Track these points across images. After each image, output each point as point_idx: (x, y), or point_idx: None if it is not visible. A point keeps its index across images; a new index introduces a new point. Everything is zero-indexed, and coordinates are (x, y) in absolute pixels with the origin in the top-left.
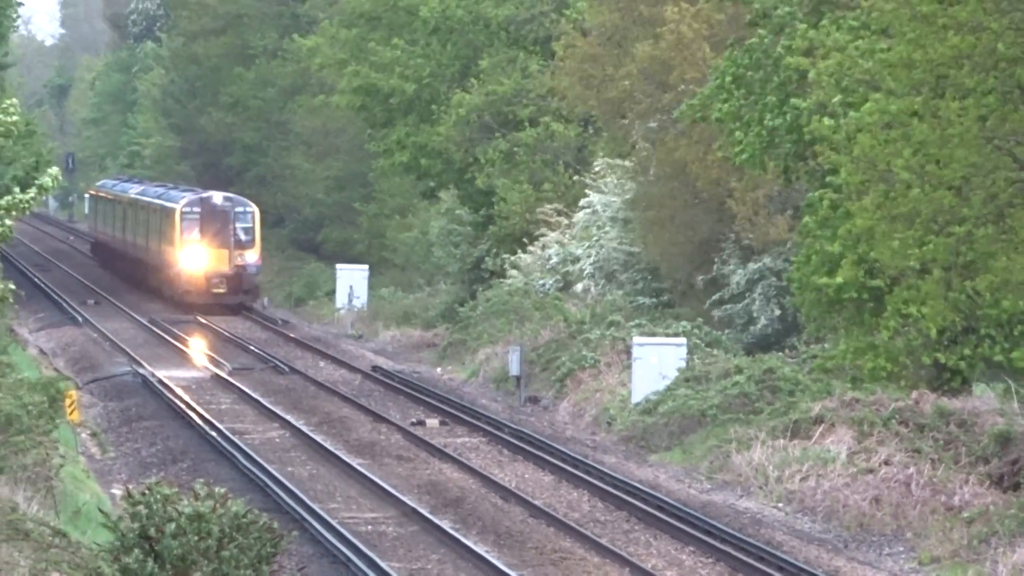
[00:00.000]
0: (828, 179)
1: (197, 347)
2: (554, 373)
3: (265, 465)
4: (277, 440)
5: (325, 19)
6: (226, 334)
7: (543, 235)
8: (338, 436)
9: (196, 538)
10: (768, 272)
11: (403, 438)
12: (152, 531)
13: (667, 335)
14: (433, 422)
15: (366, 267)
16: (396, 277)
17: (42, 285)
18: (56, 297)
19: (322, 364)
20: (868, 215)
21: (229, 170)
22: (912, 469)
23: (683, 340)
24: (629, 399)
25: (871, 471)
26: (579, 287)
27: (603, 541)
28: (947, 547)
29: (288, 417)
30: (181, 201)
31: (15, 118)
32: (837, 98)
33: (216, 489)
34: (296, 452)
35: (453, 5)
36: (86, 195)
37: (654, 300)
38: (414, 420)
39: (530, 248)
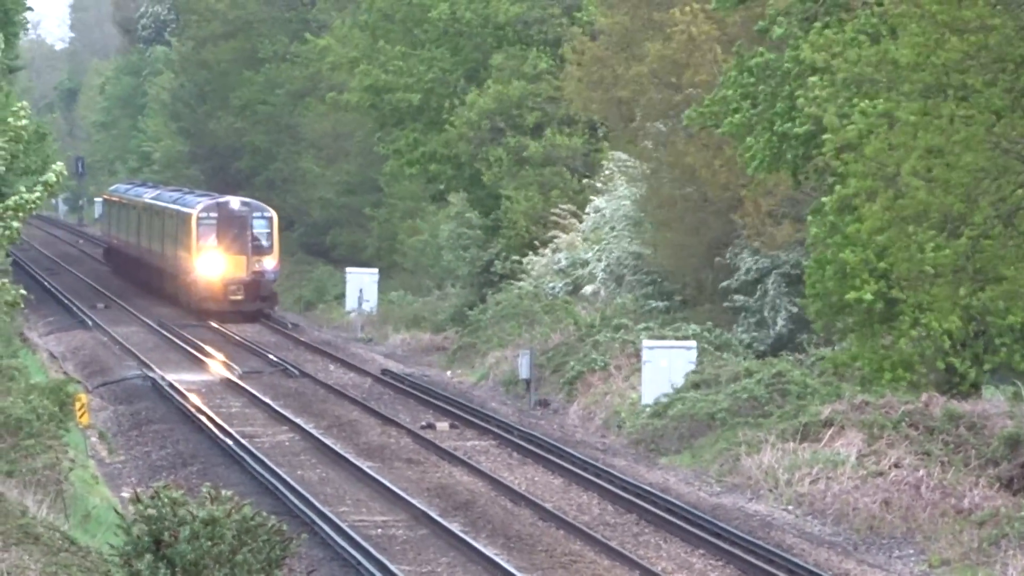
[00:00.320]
0: (836, 186)
1: (207, 351)
2: (564, 376)
3: (275, 468)
4: (287, 443)
5: (338, 20)
6: (236, 338)
7: (555, 237)
8: (348, 439)
9: (209, 543)
10: (781, 262)
11: (413, 441)
12: (165, 536)
13: (676, 338)
14: (443, 425)
15: (376, 271)
16: (406, 281)
17: (52, 289)
18: (66, 301)
19: (332, 367)
20: (877, 218)
21: (239, 174)
22: (922, 472)
23: (693, 343)
24: (639, 402)
25: (881, 474)
26: (588, 290)
27: (613, 544)
28: (957, 550)
29: (298, 420)
30: (197, 206)
31: (24, 122)
32: (832, 110)
33: (225, 493)
34: (306, 455)
35: (462, 7)
36: (95, 199)
37: (664, 303)
38: (424, 423)
39: (540, 251)
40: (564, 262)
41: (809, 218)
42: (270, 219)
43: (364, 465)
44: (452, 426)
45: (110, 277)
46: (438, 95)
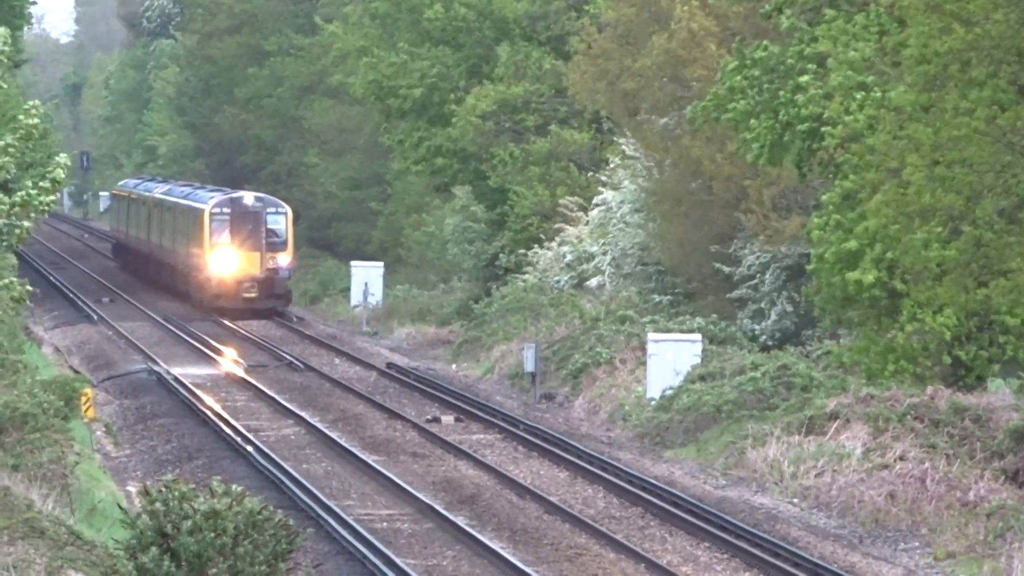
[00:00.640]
0: (837, 180)
1: (212, 345)
2: (569, 370)
3: (280, 462)
4: (292, 437)
5: (349, 6)
6: (241, 332)
7: (561, 230)
8: (353, 433)
9: (212, 535)
10: (781, 256)
11: (418, 435)
12: (169, 528)
13: (681, 332)
14: (448, 419)
15: (381, 264)
16: (411, 274)
17: (57, 283)
18: (71, 295)
19: (337, 361)
20: (882, 214)
21: (244, 168)
22: (927, 465)
23: (698, 336)
24: (644, 395)
25: (886, 467)
26: (594, 283)
27: (618, 537)
28: (962, 542)
29: (303, 414)
30: (210, 202)
31: (36, 120)
32: (836, 103)
33: (232, 487)
34: (311, 449)
35: (457, 5)
36: (100, 193)
37: (669, 296)
38: (429, 417)
39: (546, 244)
40: (570, 256)
41: (813, 218)
42: (284, 215)
43: (370, 459)
44: (457, 419)
45: (115, 271)
46: (441, 90)
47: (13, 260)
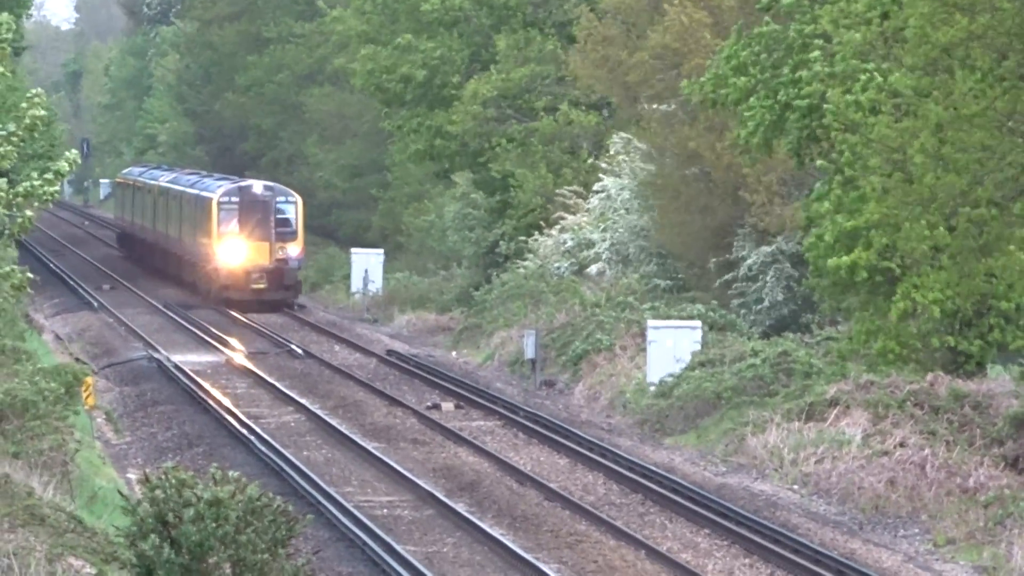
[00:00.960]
0: (833, 155)
1: (212, 332)
2: (569, 356)
3: (281, 449)
4: (292, 424)
5: None
6: (242, 319)
7: (561, 218)
8: (353, 420)
9: (214, 524)
10: (781, 256)
11: (418, 422)
12: (170, 516)
13: (682, 318)
14: (448, 406)
15: (381, 251)
16: (411, 261)
17: (58, 270)
18: (72, 282)
19: (337, 348)
20: (884, 203)
21: (244, 155)
22: (927, 451)
23: (698, 323)
24: (644, 382)
25: (886, 453)
26: (594, 270)
27: (618, 524)
28: (962, 529)
29: (303, 401)
30: (218, 190)
31: (42, 112)
32: (832, 91)
33: (232, 474)
34: (311, 436)
35: None
36: (102, 181)
37: (668, 283)
38: (429, 404)
39: (547, 232)
40: (570, 243)
41: (815, 192)
42: (295, 204)
43: (370, 445)
44: (458, 406)
45: (116, 259)
46: (443, 73)
47: (14, 252)
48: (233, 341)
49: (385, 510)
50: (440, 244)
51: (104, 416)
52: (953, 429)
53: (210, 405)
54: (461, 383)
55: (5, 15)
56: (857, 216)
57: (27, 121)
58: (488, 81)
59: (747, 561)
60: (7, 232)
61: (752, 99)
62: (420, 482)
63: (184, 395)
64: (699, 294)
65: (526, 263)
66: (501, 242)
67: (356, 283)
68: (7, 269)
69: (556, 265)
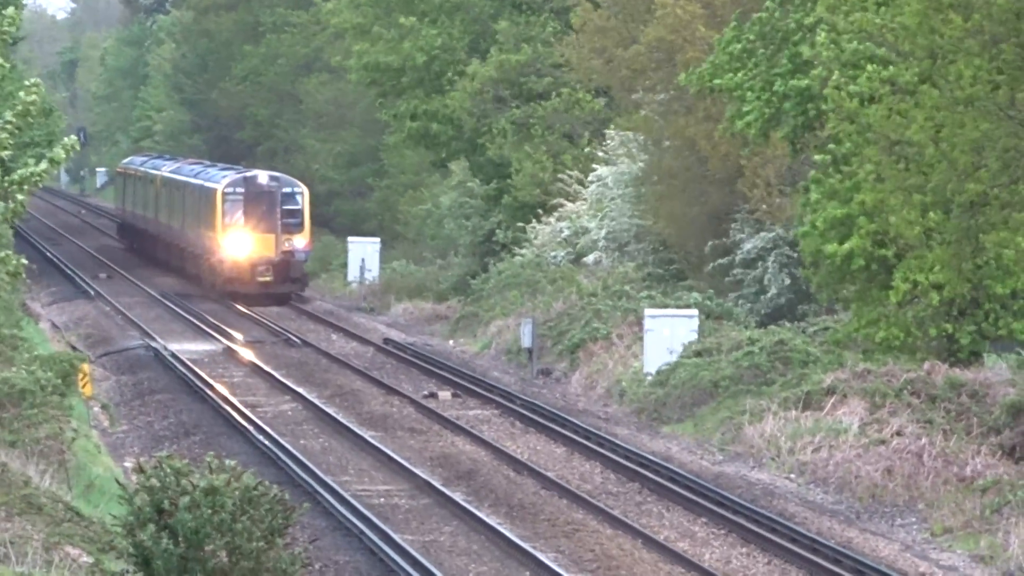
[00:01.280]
0: (830, 146)
1: (209, 320)
2: (566, 345)
3: (278, 438)
4: (289, 413)
5: None
6: (238, 308)
7: (560, 205)
8: (350, 409)
9: (210, 512)
10: (781, 241)
11: (415, 411)
12: (166, 504)
13: (678, 307)
14: (445, 395)
15: (378, 240)
16: (408, 250)
17: (54, 259)
18: (68, 271)
19: (334, 337)
20: (879, 189)
21: (241, 144)
22: (924, 440)
23: (695, 312)
24: (641, 371)
25: (883, 442)
26: (591, 259)
27: (615, 513)
28: (959, 518)
29: (300, 390)
30: (223, 181)
31: (35, 97)
32: (836, 75)
33: (229, 462)
34: (308, 425)
35: None
36: (98, 169)
37: (665, 271)
38: (426, 392)
39: (544, 220)
40: (567, 231)
41: (812, 181)
42: (301, 194)
43: (367, 434)
44: (454, 395)
45: (112, 248)
46: (442, 61)
47: (7, 230)
48: (230, 330)
49: (382, 499)
50: (436, 233)
51: (101, 405)
52: (950, 418)
53: (207, 394)
54: (458, 372)
55: (11, 10)
56: (849, 204)
57: (19, 108)
58: (488, 63)
59: (744, 550)
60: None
61: (749, 93)
62: (417, 471)
63: (181, 384)
64: (696, 282)
65: (523, 251)
66: (498, 231)
67: (353, 272)
68: (2, 254)
69: (553, 254)
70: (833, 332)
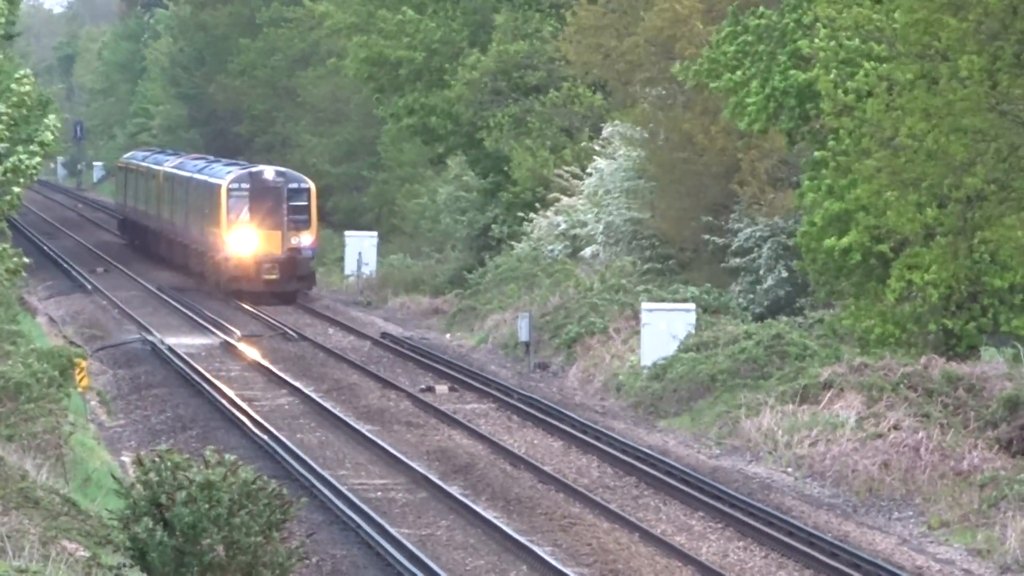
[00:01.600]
0: (830, 143)
1: (206, 315)
2: (563, 339)
3: (275, 432)
4: (286, 407)
5: None
6: (235, 302)
7: (557, 199)
8: (347, 403)
9: (207, 506)
10: (778, 230)
11: (412, 405)
12: (163, 499)
13: (675, 301)
14: (442, 388)
15: (375, 234)
16: (405, 244)
17: (51, 253)
18: (65, 265)
19: (331, 331)
20: (875, 182)
21: (238, 138)
22: (921, 434)
23: (692, 306)
24: (638, 365)
25: (880, 436)
26: (588, 252)
27: (612, 507)
28: (956, 512)
29: (297, 384)
30: (227, 176)
31: (27, 88)
32: (833, 74)
33: (228, 457)
34: (305, 419)
35: None
36: (95, 163)
37: (662, 265)
38: (423, 386)
39: (541, 213)
40: (564, 225)
41: (804, 179)
42: (308, 191)
43: (364, 428)
44: (451, 389)
45: (109, 242)
46: (441, 55)
47: (3, 225)
48: (227, 324)
49: (379, 493)
50: (433, 227)
51: (98, 399)
52: (947, 412)
53: (204, 388)
54: (455, 366)
55: (1, 3)
56: (846, 200)
57: (14, 99)
58: (488, 54)
59: (741, 544)
60: None
61: (753, 85)
62: (414, 465)
63: (178, 378)
64: (692, 275)
65: (520, 245)
66: (494, 225)
67: (350, 266)
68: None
69: (550, 248)
70: (830, 321)
